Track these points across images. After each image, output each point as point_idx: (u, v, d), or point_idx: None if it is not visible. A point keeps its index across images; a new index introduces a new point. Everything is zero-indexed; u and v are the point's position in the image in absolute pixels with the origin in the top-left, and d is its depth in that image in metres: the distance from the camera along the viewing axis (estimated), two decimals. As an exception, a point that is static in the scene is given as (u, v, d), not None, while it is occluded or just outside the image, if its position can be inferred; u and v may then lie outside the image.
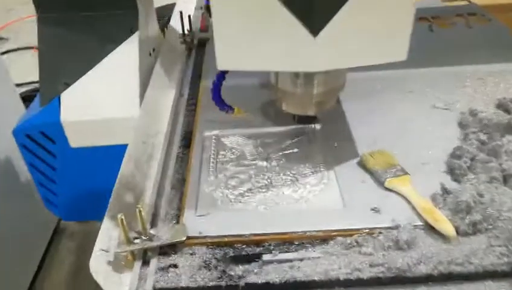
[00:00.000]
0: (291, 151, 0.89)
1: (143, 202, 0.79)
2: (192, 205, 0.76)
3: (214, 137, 0.94)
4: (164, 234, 0.70)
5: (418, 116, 0.94)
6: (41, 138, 1.06)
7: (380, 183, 0.77)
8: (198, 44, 1.33)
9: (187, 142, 0.94)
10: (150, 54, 1.21)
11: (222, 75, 0.95)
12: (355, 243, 0.67)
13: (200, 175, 0.83)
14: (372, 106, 0.98)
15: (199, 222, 0.72)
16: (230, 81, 1.02)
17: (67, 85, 1.08)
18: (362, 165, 0.82)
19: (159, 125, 1.01)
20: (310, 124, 0.95)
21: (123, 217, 0.64)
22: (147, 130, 0.99)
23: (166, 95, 1.10)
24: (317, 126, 0.95)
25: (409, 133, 0.89)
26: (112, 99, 1.11)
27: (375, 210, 0.73)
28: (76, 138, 1.11)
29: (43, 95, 1.08)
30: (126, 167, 0.85)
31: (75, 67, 1.08)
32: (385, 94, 1.03)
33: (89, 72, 1.09)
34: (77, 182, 1.17)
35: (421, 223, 0.69)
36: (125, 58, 1.09)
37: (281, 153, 0.88)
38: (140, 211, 0.66)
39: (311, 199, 0.76)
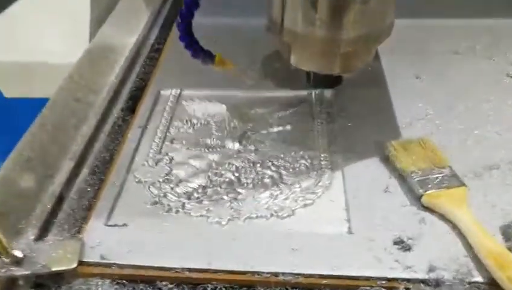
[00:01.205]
0: (280, 129, 0.59)
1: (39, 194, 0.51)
2: (106, 206, 0.48)
3: (171, 98, 0.64)
4: (43, 255, 0.42)
5: (483, 89, 0.62)
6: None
7: (415, 196, 0.47)
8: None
9: (133, 103, 0.65)
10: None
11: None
12: (360, 307, 0.38)
13: (133, 157, 0.54)
14: (414, 68, 0.66)
15: (108, 237, 0.44)
16: (213, 18, 0.72)
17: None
18: (388, 162, 0.51)
19: (105, 78, 0.72)
20: (331, 87, 0.64)
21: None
22: (87, 82, 0.70)
23: (124, 38, 0.80)
24: (327, 92, 0.64)
25: (467, 114, 0.57)
26: (53, 38, 0.84)
27: (402, 245, 0.43)
28: (8, 86, 0.86)
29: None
30: (32, 134, 0.58)
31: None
32: (435, 52, 0.70)
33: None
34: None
35: (481, 280, 0.40)
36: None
37: (264, 132, 0.58)
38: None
39: (298, 212, 0.47)
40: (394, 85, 0.64)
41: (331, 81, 0.64)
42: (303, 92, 0.64)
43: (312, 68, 0.60)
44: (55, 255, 0.41)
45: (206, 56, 0.59)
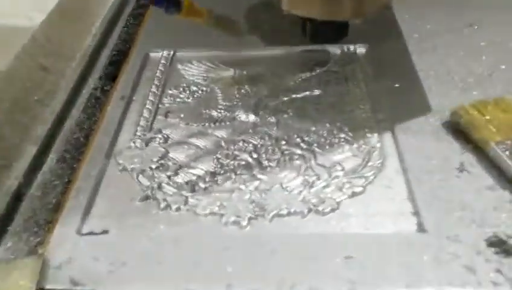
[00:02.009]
0: (307, 94, 0.45)
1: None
2: (79, 205, 0.35)
3: (163, 61, 0.50)
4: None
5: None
6: None
7: (506, 176, 0.34)
8: None
9: (114, 69, 0.51)
10: None
11: None
12: None
13: (115, 137, 0.41)
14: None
15: (82, 251, 0.31)
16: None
17: None
18: (457, 131, 0.38)
19: (78, 40, 0.58)
20: (335, 41, 0.50)
21: None
22: (55, 46, 0.56)
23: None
24: (361, 48, 0.50)
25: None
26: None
27: (502, 247, 0.30)
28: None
29: None
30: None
31: None
32: None
33: None
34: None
35: None
36: None
37: (285, 98, 0.45)
38: None
39: (345, 205, 0.34)
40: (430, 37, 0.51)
41: (333, 34, 0.50)
42: (327, 48, 0.51)
43: (310, 14, 0.46)
44: (2, 284, 0.28)
45: (171, 2, 0.43)
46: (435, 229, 0.31)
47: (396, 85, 0.44)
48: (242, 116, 0.43)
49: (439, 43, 0.50)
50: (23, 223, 0.35)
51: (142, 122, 0.42)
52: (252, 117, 0.42)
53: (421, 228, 0.32)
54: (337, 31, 0.50)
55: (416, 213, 0.33)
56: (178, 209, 0.34)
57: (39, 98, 0.49)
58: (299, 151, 0.38)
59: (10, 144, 0.43)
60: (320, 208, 0.33)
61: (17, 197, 0.37)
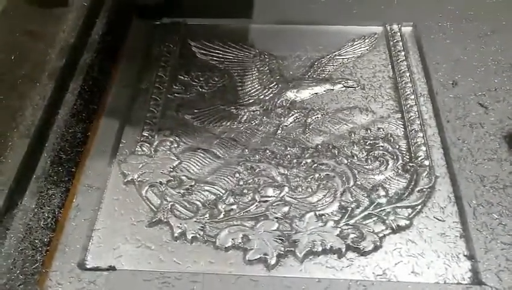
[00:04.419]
0: (342, 84, 0.38)
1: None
2: (81, 228, 0.30)
3: (172, 34, 0.42)
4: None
5: None
6: None
7: None
8: None
9: (113, 40, 0.43)
10: None
11: None
12: None
13: (120, 133, 0.35)
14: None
15: (85, 294, 0.27)
16: None
17: None
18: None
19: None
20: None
21: None
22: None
23: None
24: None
25: None
26: None
27: None
28: None
29: None
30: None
31: None
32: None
33: None
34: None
35: None
36: None
37: (315, 92, 0.38)
38: None
39: (387, 242, 0.29)
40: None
41: None
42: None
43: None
44: None
45: None
46: (494, 281, 0.27)
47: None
48: (265, 116, 0.36)
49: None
50: (16, 244, 0.30)
51: (149, 119, 0.36)
52: (276, 117, 0.36)
53: (476, 278, 0.28)
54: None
55: (471, 257, 0.28)
56: (194, 239, 0.29)
57: (26, 72, 0.42)
58: (335, 166, 0.33)
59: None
60: (359, 245, 0.29)
61: (8, 208, 0.33)
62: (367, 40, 0.42)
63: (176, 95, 0.38)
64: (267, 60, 0.40)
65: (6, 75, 0.41)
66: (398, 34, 0.42)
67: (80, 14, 0.47)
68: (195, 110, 0.37)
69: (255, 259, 0.29)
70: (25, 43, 0.44)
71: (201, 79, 0.39)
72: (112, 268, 0.28)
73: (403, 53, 0.40)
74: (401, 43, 0.41)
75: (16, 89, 0.41)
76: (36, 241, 0.31)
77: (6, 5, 0.45)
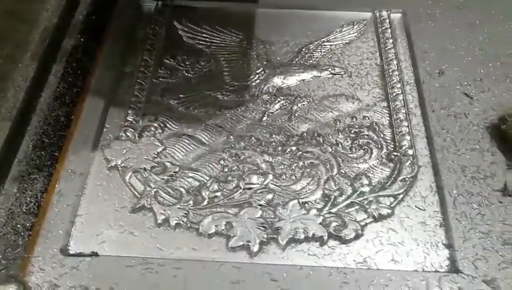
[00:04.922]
0: (329, 71, 0.38)
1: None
2: (63, 213, 0.30)
3: (157, 16, 0.41)
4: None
5: None
6: None
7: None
8: None
9: (98, 20, 0.42)
10: None
11: None
12: None
13: (101, 123, 0.35)
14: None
15: (69, 279, 0.27)
16: None
17: None
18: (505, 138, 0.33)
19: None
20: None
21: None
22: None
23: None
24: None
25: None
26: None
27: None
28: None
29: None
30: None
31: None
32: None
33: None
34: None
35: None
36: None
37: (302, 79, 0.38)
38: None
39: (369, 230, 0.30)
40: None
41: None
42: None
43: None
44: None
45: None
46: (470, 270, 0.28)
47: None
48: (251, 102, 0.36)
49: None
50: (-2, 228, 0.30)
51: (133, 103, 0.35)
52: (262, 104, 0.36)
53: (454, 266, 0.28)
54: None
55: (450, 246, 0.29)
56: (177, 226, 0.30)
57: (8, 53, 0.41)
58: (319, 154, 0.33)
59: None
60: (342, 233, 0.29)
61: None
62: (356, 27, 0.41)
63: (161, 79, 0.37)
64: (254, 45, 0.40)
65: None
66: (387, 20, 0.42)
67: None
68: (181, 96, 0.36)
69: (238, 246, 0.29)
70: (6, 23, 0.43)
71: (187, 63, 0.38)
72: (94, 254, 0.28)
73: (391, 40, 0.40)
74: (389, 30, 0.41)
75: (-3, 70, 0.40)
76: (18, 226, 0.31)
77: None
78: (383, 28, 0.41)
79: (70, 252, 0.29)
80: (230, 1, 0.43)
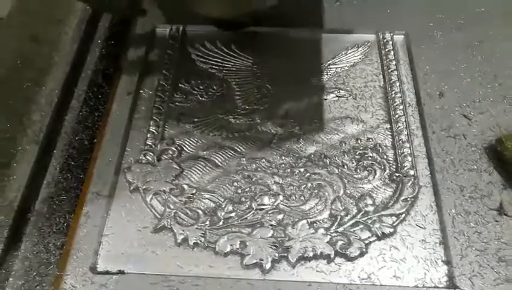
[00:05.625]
0: (335, 94, 0.41)
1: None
2: (91, 234, 0.32)
3: (171, 40, 0.44)
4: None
5: None
6: None
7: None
8: None
9: (116, 45, 0.45)
10: None
11: None
12: None
13: (125, 141, 0.37)
14: None
15: (98, 297, 0.30)
16: None
17: None
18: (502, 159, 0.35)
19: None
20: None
21: None
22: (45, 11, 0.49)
23: None
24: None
25: None
26: None
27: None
28: None
29: None
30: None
31: None
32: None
33: None
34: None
35: None
36: None
37: (310, 102, 0.40)
38: None
39: (373, 249, 0.32)
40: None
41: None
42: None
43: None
44: None
45: None
46: (467, 286, 0.30)
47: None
48: (262, 126, 0.38)
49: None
50: (31, 248, 0.33)
51: (152, 128, 0.38)
52: (272, 127, 0.38)
53: (451, 282, 0.30)
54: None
55: (448, 263, 0.31)
56: (195, 245, 0.32)
57: (32, 76, 0.44)
58: (326, 175, 0.35)
59: (5, 136, 0.38)
60: (347, 251, 0.32)
61: (22, 212, 0.35)
62: (360, 49, 0.44)
63: (177, 104, 0.40)
64: (265, 68, 0.42)
65: (12, 80, 0.43)
66: (390, 42, 0.44)
67: (82, 17, 0.48)
68: (195, 119, 0.39)
69: (252, 264, 0.31)
70: (31, 46, 0.46)
71: (201, 87, 0.41)
72: (121, 272, 0.31)
73: (394, 62, 0.42)
74: (392, 52, 0.43)
75: (21, 91, 0.42)
76: (50, 245, 0.34)
77: (10, 9, 0.47)
78: (386, 50, 0.43)
79: (99, 270, 0.31)
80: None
